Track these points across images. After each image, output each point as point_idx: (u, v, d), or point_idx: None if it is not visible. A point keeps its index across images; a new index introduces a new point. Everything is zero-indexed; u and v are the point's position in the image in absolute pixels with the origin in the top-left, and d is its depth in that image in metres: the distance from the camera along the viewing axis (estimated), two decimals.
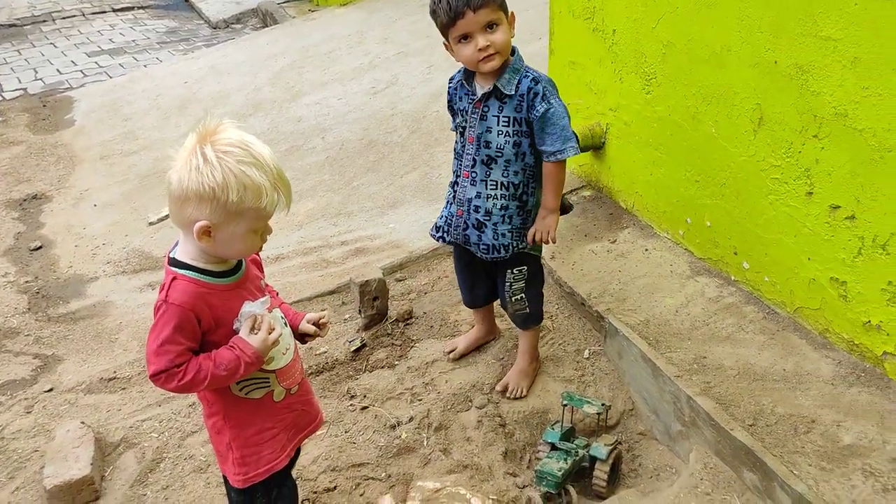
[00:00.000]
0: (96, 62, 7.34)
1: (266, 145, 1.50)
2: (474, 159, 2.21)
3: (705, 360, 2.28)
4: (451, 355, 2.61)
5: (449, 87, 2.28)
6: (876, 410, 2.02)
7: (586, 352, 2.60)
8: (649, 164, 2.96)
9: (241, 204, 1.41)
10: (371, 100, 5.12)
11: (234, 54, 6.81)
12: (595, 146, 3.25)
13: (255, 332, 1.52)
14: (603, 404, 2.21)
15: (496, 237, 2.24)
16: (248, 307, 1.53)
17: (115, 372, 2.76)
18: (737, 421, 2.03)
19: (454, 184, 2.32)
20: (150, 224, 3.97)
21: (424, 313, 2.92)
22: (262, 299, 1.56)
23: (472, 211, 2.24)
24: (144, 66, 7.22)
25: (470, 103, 2.19)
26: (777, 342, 2.32)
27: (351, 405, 2.47)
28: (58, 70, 7.09)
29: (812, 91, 2.13)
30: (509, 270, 2.30)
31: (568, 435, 2.23)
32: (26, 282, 3.46)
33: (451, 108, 2.30)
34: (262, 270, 1.69)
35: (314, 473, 2.21)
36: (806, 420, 2.02)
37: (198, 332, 1.49)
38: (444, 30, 2.07)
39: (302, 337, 1.76)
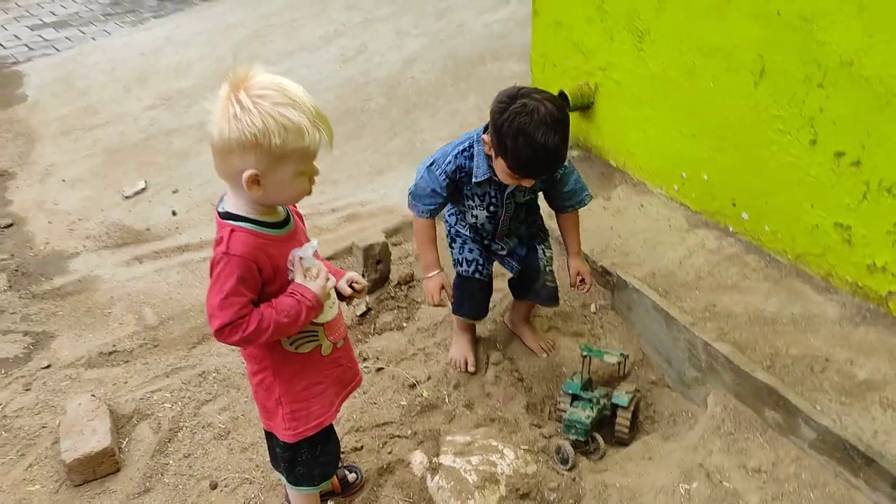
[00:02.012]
0: (41, 36, 6.99)
1: (299, 85, 1.46)
2: (510, 227, 2.32)
3: (715, 308, 2.35)
4: (470, 369, 2.43)
5: (459, 172, 2.15)
6: (885, 347, 2.11)
7: (593, 306, 2.64)
8: (642, 121, 3.00)
9: (285, 146, 1.38)
10: (342, 68, 5.03)
11: (190, 25, 6.58)
12: (584, 106, 3.27)
13: (311, 278, 1.51)
14: (622, 354, 2.26)
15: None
16: (298, 252, 1.51)
17: (114, 345, 2.69)
18: (755, 363, 2.10)
19: (478, 240, 2.36)
20: (127, 198, 3.84)
21: None
22: (308, 244, 1.54)
23: (517, 250, 2.39)
24: (93, 38, 6.90)
25: (498, 191, 2.18)
26: (782, 288, 2.41)
27: (365, 367, 2.46)
28: (0, 44, 6.74)
29: (817, 40, 2.19)
30: (539, 245, 2.38)
31: (586, 386, 2.27)
32: (2, 260, 3.31)
33: (453, 185, 2.17)
34: (304, 224, 1.67)
35: (339, 435, 2.19)
36: (820, 359, 2.10)
37: (259, 284, 1.47)
38: (514, 167, 1.97)
39: (339, 296, 1.75)
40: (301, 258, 1.52)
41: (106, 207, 3.78)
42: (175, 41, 6.15)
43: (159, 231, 3.52)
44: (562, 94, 3.23)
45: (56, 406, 2.40)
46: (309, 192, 1.52)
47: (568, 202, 2.26)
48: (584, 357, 2.27)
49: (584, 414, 2.12)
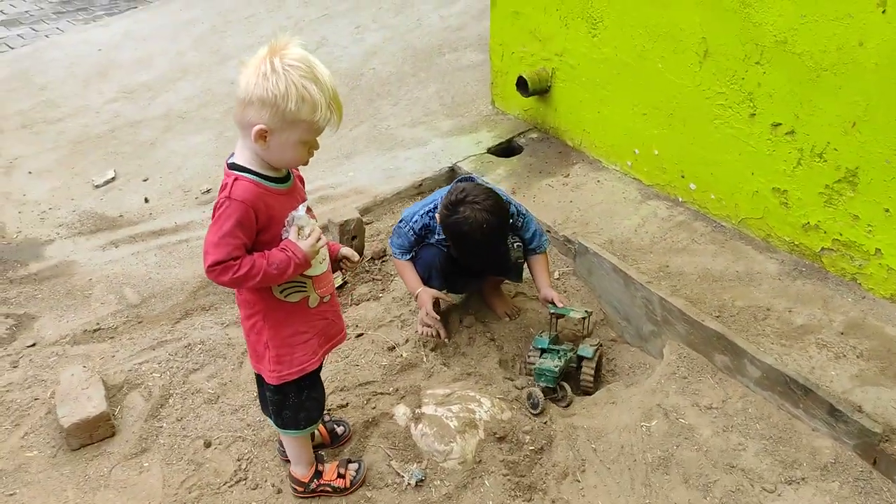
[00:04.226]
0: None
1: (325, 68, 1.61)
2: None
3: (668, 269, 2.56)
4: (444, 338, 2.55)
5: (425, 229, 2.49)
6: (819, 297, 2.35)
7: (556, 273, 2.83)
8: (597, 102, 3.20)
9: (298, 114, 1.53)
10: None
11: (148, 20, 6.60)
12: (542, 90, 3.47)
13: (303, 238, 1.65)
14: (586, 311, 2.45)
15: None
16: (297, 213, 1.65)
17: (98, 324, 2.76)
18: (706, 314, 2.31)
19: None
20: (97, 187, 3.88)
21: None
22: (301, 204, 1.68)
23: None
24: (46, 36, 6.87)
25: None
26: (727, 249, 2.63)
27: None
28: None
29: (754, 22, 2.42)
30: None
31: (554, 341, 2.45)
32: None
33: (419, 238, 2.51)
34: (303, 186, 1.81)
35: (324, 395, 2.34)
36: (762, 309, 2.33)
37: (254, 229, 1.61)
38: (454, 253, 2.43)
39: (335, 263, 1.90)
40: (295, 217, 1.66)
41: (76, 197, 3.82)
42: (134, 37, 6.16)
43: (133, 217, 3.59)
44: (521, 80, 3.42)
45: (46, 380, 2.47)
46: (306, 163, 1.67)
47: (530, 246, 2.50)
48: (552, 315, 2.45)
49: (553, 363, 2.31)
